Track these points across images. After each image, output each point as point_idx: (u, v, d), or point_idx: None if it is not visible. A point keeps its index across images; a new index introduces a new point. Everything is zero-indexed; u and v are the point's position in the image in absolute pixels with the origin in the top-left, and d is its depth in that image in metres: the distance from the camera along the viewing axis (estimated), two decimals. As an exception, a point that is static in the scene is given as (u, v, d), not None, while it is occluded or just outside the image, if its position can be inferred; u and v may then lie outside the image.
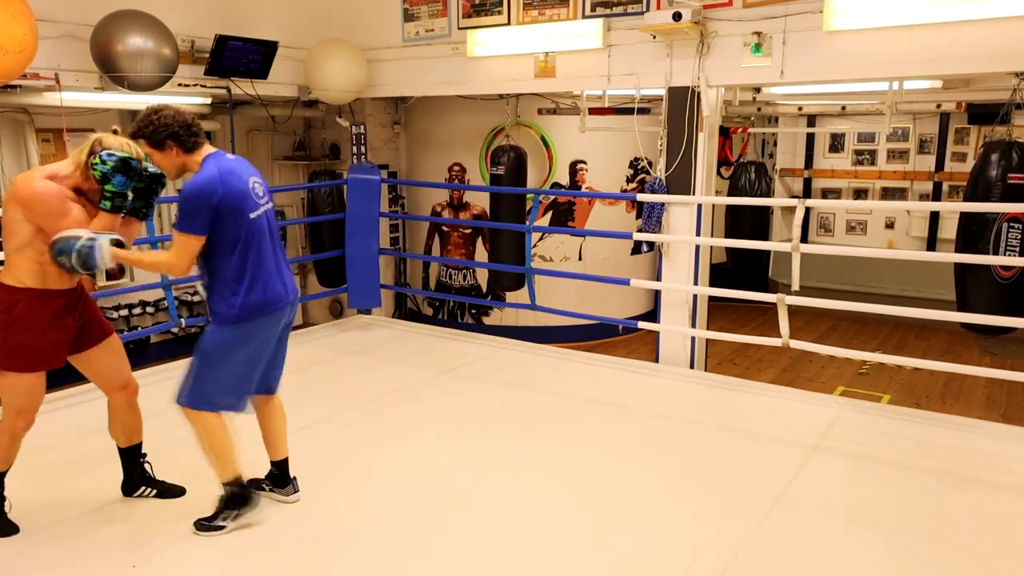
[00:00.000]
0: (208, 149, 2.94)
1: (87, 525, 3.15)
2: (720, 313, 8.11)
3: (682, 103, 5.09)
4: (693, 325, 5.28)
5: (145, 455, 3.35)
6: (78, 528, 3.12)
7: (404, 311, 7.89)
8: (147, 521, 3.17)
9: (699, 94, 5.00)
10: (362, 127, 6.51)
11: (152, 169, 2.95)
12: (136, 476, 3.34)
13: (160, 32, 5.13)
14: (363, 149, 6.45)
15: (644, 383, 5.11)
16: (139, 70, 5.03)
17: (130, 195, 2.94)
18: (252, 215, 2.91)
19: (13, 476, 3.13)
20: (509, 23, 5.80)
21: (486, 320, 7.61)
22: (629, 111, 5.56)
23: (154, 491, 3.35)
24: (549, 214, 7.33)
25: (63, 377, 5.82)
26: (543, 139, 7.18)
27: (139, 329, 6.33)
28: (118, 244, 2.87)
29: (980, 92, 6.06)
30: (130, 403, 3.25)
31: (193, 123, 2.86)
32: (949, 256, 5.06)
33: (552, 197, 7.25)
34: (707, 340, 5.45)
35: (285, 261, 3.14)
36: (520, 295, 6.64)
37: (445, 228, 7.72)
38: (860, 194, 9.45)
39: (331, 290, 7.16)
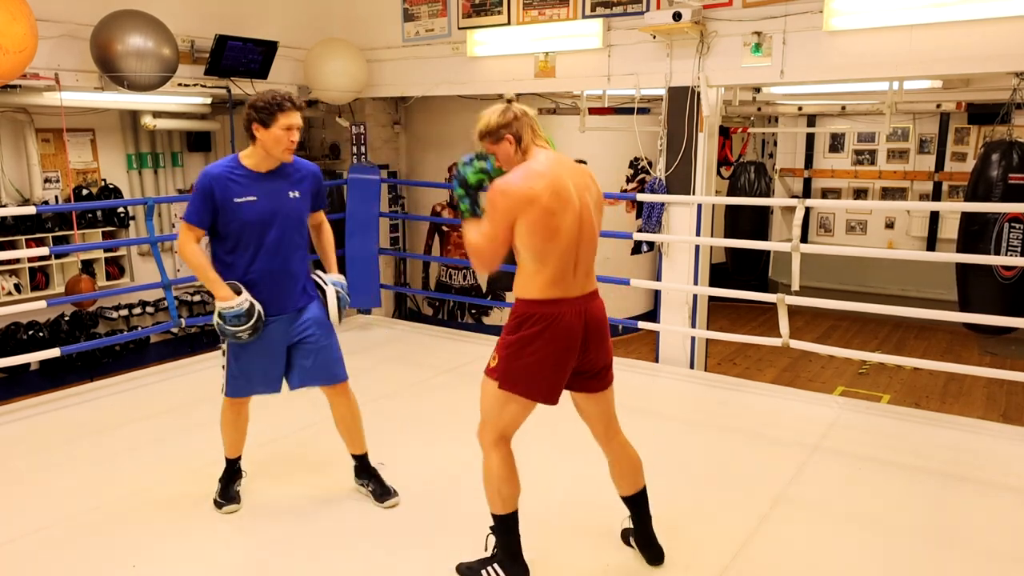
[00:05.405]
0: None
1: (87, 525, 3.15)
2: (720, 313, 8.11)
3: (682, 103, 5.09)
4: (693, 325, 5.28)
5: None
6: (78, 528, 3.12)
7: (404, 311, 7.89)
8: (147, 520, 3.17)
9: (699, 94, 5.00)
10: (362, 127, 6.50)
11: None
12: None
13: (160, 32, 5.13)
14: (363, 149, 6.45)
15: (644, 383, 5.11)
16: (139, 70, 5.03)
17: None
18: None
19: (9, 477, 3.12)
20: (509, 23, 5.80)
21: (486, 320, 7.61)
22: (629, 111, 5.55)
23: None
24: (549, 214, 7.32)
25: (61, 377, 5.87)
26: (543, 139, 7.17)
27: (139, 329, 6.33)
28: None
29: (980, 92, 6.07)
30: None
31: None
32: (949, 256, 5.06)
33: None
34: (707, 340, 5.45)
35: None
36: (520, 295, 6.62)
37: (445, 228, 7.72)
38: (860, 194, 9.45)
39: (331, 290, 7.14)
